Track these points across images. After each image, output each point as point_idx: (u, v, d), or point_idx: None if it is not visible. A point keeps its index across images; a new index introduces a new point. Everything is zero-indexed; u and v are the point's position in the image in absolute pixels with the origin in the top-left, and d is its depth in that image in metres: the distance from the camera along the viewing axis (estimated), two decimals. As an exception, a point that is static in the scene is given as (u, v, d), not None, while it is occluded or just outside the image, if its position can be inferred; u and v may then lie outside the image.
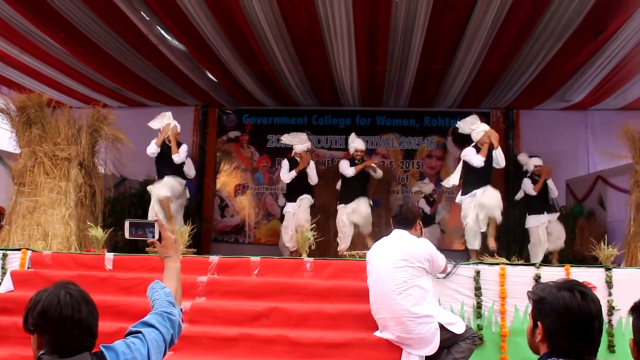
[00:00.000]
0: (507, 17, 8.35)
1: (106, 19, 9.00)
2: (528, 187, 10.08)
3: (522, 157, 10.60)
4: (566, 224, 10.60)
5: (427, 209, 12.03)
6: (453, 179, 8.93)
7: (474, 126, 8.85)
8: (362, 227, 9.79)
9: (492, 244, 8.61)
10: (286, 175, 10.02)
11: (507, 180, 12.25)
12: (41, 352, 2.38)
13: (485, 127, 8.82)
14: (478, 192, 8.50)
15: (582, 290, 2.36)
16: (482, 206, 8.43)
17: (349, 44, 9.43)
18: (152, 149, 9.44)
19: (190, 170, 9.91)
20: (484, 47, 9.46)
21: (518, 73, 10.72)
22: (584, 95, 11.60)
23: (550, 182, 10.20)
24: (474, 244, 8.59)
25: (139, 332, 2.58)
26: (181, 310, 2.84)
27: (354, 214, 9.74)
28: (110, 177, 10.67)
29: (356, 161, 9.98)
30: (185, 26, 9.10)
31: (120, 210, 11.30)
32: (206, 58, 10.56)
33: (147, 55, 10.41)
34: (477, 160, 8.58)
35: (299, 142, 10.23)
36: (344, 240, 9.73)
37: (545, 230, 9.89)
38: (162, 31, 9.51)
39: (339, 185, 10.40)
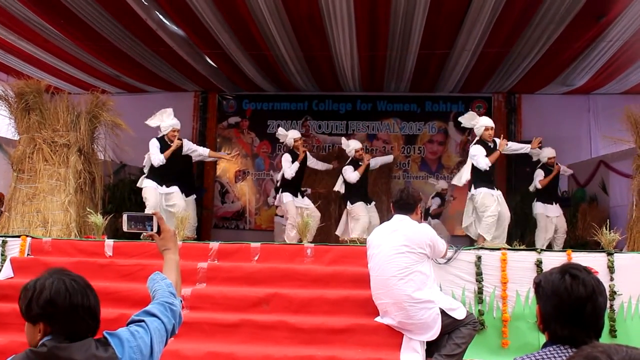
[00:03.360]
0: (509, 0, 8.28)
1: (105, 5, 8.95)
2: (540, 176, 9.98)
3: (535, 152, 10.34)
4: (568, 210, 10.56)
5: (437, 205, 12.07)
6: (465, 176, 8.79)
7: (474, 121, 8.77)
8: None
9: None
10: (289, 170, 9.71)
11: (510, 166, 12.22)
12: (46, 338, 2.36)
13: (485, 121, 8.67)
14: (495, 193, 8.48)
15: (573, 274, 2.34)
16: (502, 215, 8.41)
17: (349, 28, 9.37)
18: (159, 160, 8.93)
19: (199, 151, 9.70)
20: (485, 31, 9.39)
21: (520, 57, 10.65)
22: (586, 79, 11.53)
23: (562, 167, 10.15)
24: (487, 235, 8.41)
25: (142, 320, 2.59)
26: (181, 301, 2.86)
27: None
28: (110, 164, 10.65)
29: (360, 163, 9.89)
30: (184, 11, 9.04)
31: (120, 196, 11.29)
32: (205, 43, 10.50)
33: (146, 41, 10.35)
34: (484, 163, 8.43)
35: (285, 134, 10.08)
36: (356, 229, 9.64)
37: (553, 220, 9.83)
38: (160, 16, 9.46)
39: (338, 187, 10.12)
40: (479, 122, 8.67)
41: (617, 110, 9.05)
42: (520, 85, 12.38)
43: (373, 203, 10.01)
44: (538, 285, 2.44)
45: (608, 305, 6.26)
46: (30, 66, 11.36)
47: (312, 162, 10.17)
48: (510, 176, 11.49)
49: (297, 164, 9.69)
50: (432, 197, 12.38)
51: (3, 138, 10.15)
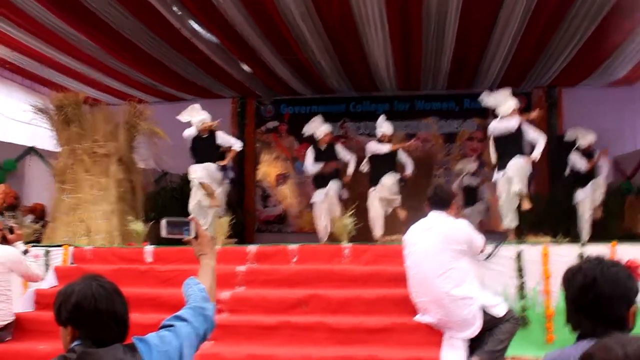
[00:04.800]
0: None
1: (138, 16, 9.09)
2: (578, 161, 9.72)
3: (573, 132, 10.19)
4: (614, 202, 10.34)
5: (474, 183, 11.82)
6: (493, 159, 8.74)
7: (500, 98, 8.59)
8: (389, 200, 9.61)
9: (525, 205, 8.37)
10: (309, 166, 9.92)
11: (551, 160, 12.00)
12: (75, 343, 2.38)
13: (514, 103, 8.55)
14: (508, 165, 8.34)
15: (580, 264, 2.34)
16: (509, 180, 8.26)
17: (382, 28, 9.33)
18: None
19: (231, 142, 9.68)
20: (520, 26, 9.27)
21: (557, 51, 10.49)
22: (627, 70, 11.29)
23: (602, 162, 9.94)
24: (507, 221, 8.37)
25: (172, 325, 2.58)
26: (215, 306, 2.85)
27: (381, 189, 9.60)
28: (151, 172, 10.77)
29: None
30: (217, 18, 9.11)
31: (162, 204, 11.39)
32: (239, 49, 10.56)
33: (180, 49, 10.46)
34: (495, 122, 8.53)
35: (316, 126, 10.11)
36: (376, 226, 9.61)
37: (591, 201, 9.64)
38: (194, 24, 9.53)
39: (364, 167, 10.07)
40: (508, 102, 8.48)
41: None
42: (560, 78, 12.17)
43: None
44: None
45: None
46: (68, 78, 11.58)
47: (343, 153, 10.13)
48: (552, 167, 11.26)
49: (319, 166, 9.83)
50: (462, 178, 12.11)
51: (45, 150, 10.34)
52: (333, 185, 9.82)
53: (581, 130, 9.98)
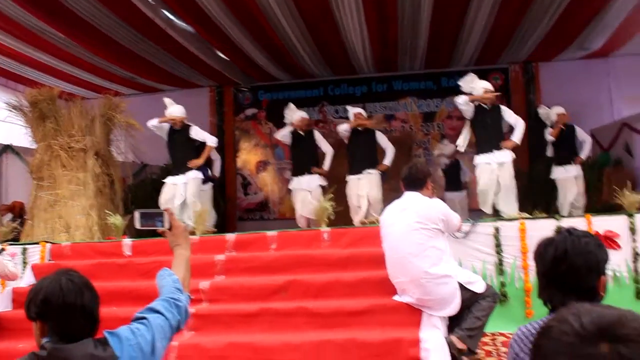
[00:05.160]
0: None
1: (112, 8, 9.03)
2: (547, 134, 9.86)
3: (542, 110, 10.35)
4: (592, 174, 10.39)
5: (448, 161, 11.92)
6: (460, 141, 8.81)
7: (473, 84, 8.70)
8: (372, 207, 9.51)
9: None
10: (279, 133, 10.23)
11: (530, 136, 12.04)
12: (44, 339, 2.36)
13: (484, 84, 8.63)
14: (497, 155, 8.36)
15: (551, 237, 2.36)
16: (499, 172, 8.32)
17: (357, 11, 9.32)
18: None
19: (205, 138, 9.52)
20: (494, 3, 9.29)
21: (533, 25, 10.46)
22: (603, 41, 11.28)
23: (578, 129, 9.97)
24: (485, 207, 8.44)
25: (144, 317, 2.57)
26: (189, 297, 2.85)
27: (362, 190, 9.56)
28: (129, 165, 10.71)
29: (359, 129, 9.79)
30: (191, 7, 9.06)
31: (142, 196, 11.33)
32: (215, 37, 10.50)
33: (156, 40, 10.38)
34: (461, 99, 8.69)
35: (291, 113, 10.14)
36: (356, 215, 9.62)
37: (573, 181, 9.69)
38: (168, 14, 9.46)
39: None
40: (478, 85, 8.60)
41: (637, 70, 8.85)
42: (537, 53, 12.17)
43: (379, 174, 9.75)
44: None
45: (632, 267, 6.15)
46: (43, 74, 11.47)
47: (322, 143, 10.08)
48: (531, 144, 11.28)
49: (287, 135, 9.99)
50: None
51: (20, 147, 10.26)
52: (312, 179, 9.81)
53: (546, 108, 10.09)
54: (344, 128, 9.76)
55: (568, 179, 9.73)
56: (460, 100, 8.74)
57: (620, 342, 1.02)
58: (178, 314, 2.67)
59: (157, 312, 2.61)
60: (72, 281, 2.42)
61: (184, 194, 8.96)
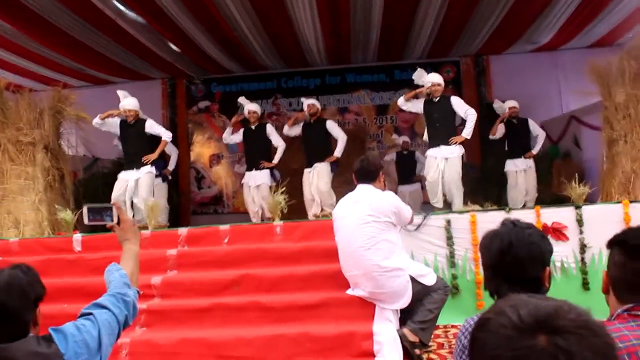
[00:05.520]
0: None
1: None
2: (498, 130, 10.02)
3: (497, 104, 10.47)
4: (542, 166, 10.55)
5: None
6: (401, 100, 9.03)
7: (423, 78, 8.79)
8: (322, 201, 9.58)
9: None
10: (226, 135, 10.34)
11: (482, 128, 12.18)
12: None
13: (432, 77, 8.72)
14: (444, 150, 8.46)
15: (497, 229, 2.42)
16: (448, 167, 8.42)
17: (309, 3, 9.30)
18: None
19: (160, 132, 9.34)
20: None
21: (484, 18, 10.57)
22: (551, 35, 11.48)
23: (532, 123, 10.11)
24: (434, 201, 8.57)
25: (90, 313, 2.54)
26: (138, 291, 2.83)
27: (312, 183, 9.63)
28: (79, 159, 10.55)
29: (310, 121, 9.92)
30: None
31: (93, 191, 11.16)
32: (167, 29, 10.36)
33: (106, 31, 10.20)
34: (400, 100, 8.97)
35: (242, 105, 10.19)
36: (310, 208, 9.68)
37: (523, 174, 9.84)
38: (118, 4, 9.30)
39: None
40: (427, 78, 8.69)
41: (584, 64, 9.00)
42: (487, 46, 12.31)
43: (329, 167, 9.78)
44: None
45: (579, 258, 6.27)
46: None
47: (274, 137, 10.08)
48: (481, 135, 11.40)
49: (237, 135, 10.15)
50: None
51: (-35, 141, 10.02)
52: (262, 175, 9.80)
53: (500, 102, 10.25)
54: (290, 132, 9.99)
55: (518, 173, 9.87)
56: (400, 102, 8.96)
57: (558, 334, 1.03)
58: (125, 309, 2.65)
59: (104, 307, 2.58)
60: (7, 279, 2.33)
61: (136, 189, 8.85)
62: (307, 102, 9.97)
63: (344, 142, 9.76)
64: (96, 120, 8.99)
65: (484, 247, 2.41)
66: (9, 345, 2.26)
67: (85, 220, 3.02)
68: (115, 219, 2.96)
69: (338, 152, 9.71)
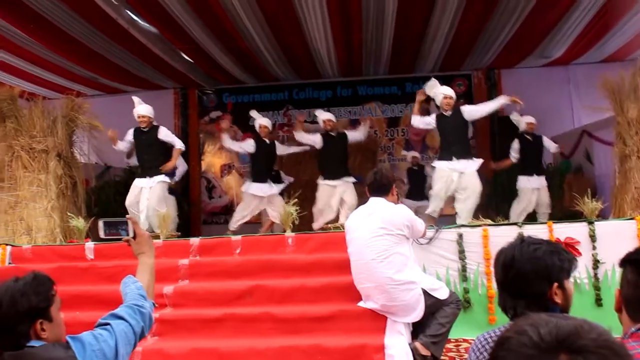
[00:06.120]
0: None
1: (74, 7, 8.85)
2: (513, 149, 9.99)
3: (514, 117, 10.38)
4: (554, 182, 10.53)
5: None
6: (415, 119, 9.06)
7: (435, 89, 8.80)
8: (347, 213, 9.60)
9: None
10: (229, 143, 10.51)
11: (493, 141, 12.20)
12: None
13: (445, 90, 8.73)
14: (458, 167, 8.43)
15: (505, 246, 2.43)
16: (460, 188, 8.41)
17: (321, 13, 9.29)
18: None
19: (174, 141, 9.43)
20: (459, 7, 9.31)
21: (496, 32, 10.59)
22: (563, 50, 11.47)
23: (545, 139, 10.09)
24: (432, 211, 8.60)
25: (108, 323, 2.58)
26: (153, 304, 2.87)
27: (339, 197, 9.64)
28: (92, 167, 10.60)
29: (332, 133, 9.93)
30: (154, 7, 8.94)
31: (105, 199, 11.22)
32: (179, 39, 10.41)
33: (118, 40, 10.25)
34: (414, 120, 8.98)
35: (254, 119, 10.37)
36: (320, 219, 9.68)
37: (536, 193, 9.81)
38: (131, 14, 9.36)
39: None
40: (439, 91, 8.70)
41: (596, 79, 9.01)
42: (499, 60, 12.31)
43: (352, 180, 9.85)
44: None
45: (592, 274, 6.26)
46: (3, 73, 11.24)
47: (281, 149, 10.23)
48: (494, 149, 11.39)
49: (245, 144, 10.21)
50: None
51: (-20, 148, 10.08)
52: (273, 187, 9.89)
53: (518, 115, 10.22)
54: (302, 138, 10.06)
55: (530, 190, 9.83)
56: (414, 123, 9.02)
57: (579, 353, 1.03)
58: (142, 321, 2.69)
59: (121, 318, 2.62)
60: (2, 292, 2.39)
61: (149, 197, 8.88)
62: (322, 116, 10.00)
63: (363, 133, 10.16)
64: (118, 147, 9.14)
65: (494, 263, 2.46)
66: (25, 351, 2.30)
67: (101, 234, 3.04)
68: (131, 233, 2.99)
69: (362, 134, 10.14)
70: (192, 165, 13.41)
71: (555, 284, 2.30)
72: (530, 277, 2.28)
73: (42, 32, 9.58)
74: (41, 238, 8.57)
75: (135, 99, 9.31)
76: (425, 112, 12.33)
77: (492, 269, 6.16)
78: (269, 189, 9.82)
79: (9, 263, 7.14)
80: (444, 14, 9.55)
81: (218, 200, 13.73)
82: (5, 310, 2.34)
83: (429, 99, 9.51)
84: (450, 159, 8.46)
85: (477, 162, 8.45)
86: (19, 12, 8.77)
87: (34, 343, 2.35)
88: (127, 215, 3.10)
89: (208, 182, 13.78)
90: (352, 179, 9.70)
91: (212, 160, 13.77)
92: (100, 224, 3.03)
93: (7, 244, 7.39)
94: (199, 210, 13.55)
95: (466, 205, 8.29)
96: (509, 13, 9.61)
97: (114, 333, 2.53)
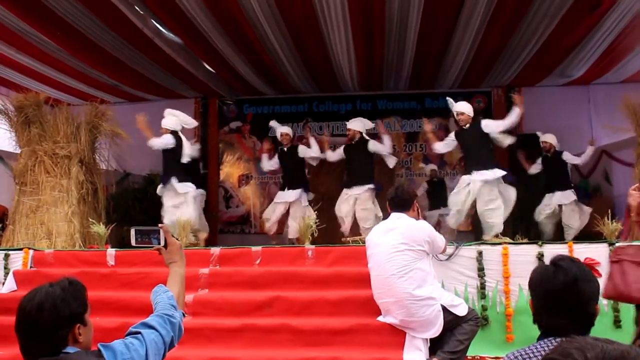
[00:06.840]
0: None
1: (100, 15, 8.95)
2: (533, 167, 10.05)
3: (539, 134, 10.48)
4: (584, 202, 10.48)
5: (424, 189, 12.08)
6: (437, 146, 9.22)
7: (453, 107, 8.86)
8: (362, 220, 9.67)
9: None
10: (266, 164, 10.77)
11: (511, 158, 12.17)
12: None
13: (457, 107, 8.77)
14: (479, 178, 8.43)
15: (556, 263, 2.40)
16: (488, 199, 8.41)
17: (344, 27, 9.34)
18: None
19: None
20: (481, 26, 9.34)
21: (517, 50, 10.60)
22: (584, 69, 11.47)
23: (566, 154, 10.12)
24: (452, 222, 8.74)
25: (139, 332, 2.60)
26: (183, 314, 2.88)
27: (354, 204, 9.74)
28: (112, 173, 10.69)
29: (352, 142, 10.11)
30: (180, 18, 9.04)
31: (124, 205, 11.31)
32: (202, 49, 10.51)
33: (143, 49, 10.36)
34: (437, 147, 9.26)
35: (274, 128, 10.76)
36: (344, 226, 9.82)
37: (555, 210, 9.81)
38: (156, 24, 9.48)
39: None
40: (454, 108, 8.76)
41: (616, 99, 9.01)
42: (519, 78, 12.31)
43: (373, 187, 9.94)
44: (530, 279, 2.49)
45: (610, 295, 6.24)
46: (29, 79, 11.37)
47: (302, 151, 10.45)
48: (512, 167, 11.37)
49: (274, 161, 10.49)
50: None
51: (4, 151, 10.19)
52: (300, 193, 10.00)
53: (541, 135, 10.22)
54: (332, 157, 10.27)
55: (562, 207, 9.84)
56: (437, 149, 9.29)
57: None
58: (172, 331, 2.70)
59: (152, 327, 2.64)
60: (31, 299, 2.42)
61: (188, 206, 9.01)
62: (280, 129, 10.64)
63: (392, 158, 10.32)
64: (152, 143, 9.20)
65: (541, 282, 2.40)
66: (60, 357, 2.34)
67: (133, 242, 3.05)
68: (162, 242, 3.00)
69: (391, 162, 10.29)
70: (211, 175, 13.50)
71: (597, 306, 2.34)
72: (589, 298, 2.30)
73: (68, 40, 9.69)
74: (60, 243, 8.65)
75: (167, 111, 9.48)
76: (444, 128, 12.49)
77: (511, 287, 6.23)
78: (293, 195, 10.03)
79: (31, 267, 7.21)
80: (466, 32, 9.58)
81: (235, 210, 13.77)
82: (47, 315, 2.37)
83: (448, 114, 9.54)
84: (471, 172, 8.47)
85: (498, 172, 8.41)
86: (48, 20, 8.89)
87: (69, 349, 2.38)
88: (159, 224, 3.11)
89: (226, 192, 13.83)
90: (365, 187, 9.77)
91: (230, 170, 13.82)
92: (132, 232, 3.04)
93: (29, 248, 7.47)
94: (216, 219, 13.58)
95: (496, 214, 8.27)
96: (531, 32, 9.64)
97: (145, 342, 2.55)
